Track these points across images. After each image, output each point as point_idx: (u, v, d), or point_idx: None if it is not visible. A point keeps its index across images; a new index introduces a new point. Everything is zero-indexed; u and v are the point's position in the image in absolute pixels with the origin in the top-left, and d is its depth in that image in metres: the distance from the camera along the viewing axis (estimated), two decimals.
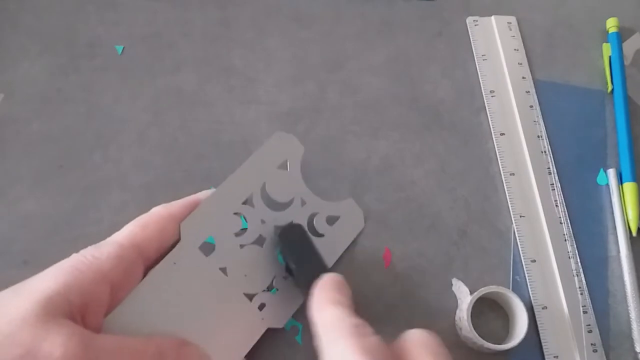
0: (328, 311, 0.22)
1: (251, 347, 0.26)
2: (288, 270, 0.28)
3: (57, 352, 0.17)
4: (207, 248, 0.26)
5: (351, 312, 0.21)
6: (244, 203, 0.27)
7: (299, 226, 0.28)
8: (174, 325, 0.24)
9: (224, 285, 0.26)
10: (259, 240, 0.28)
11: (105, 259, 0.22)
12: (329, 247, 0.29)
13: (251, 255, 0.27)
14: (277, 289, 0.27)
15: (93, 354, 0.18)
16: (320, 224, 0.29)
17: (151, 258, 0.24)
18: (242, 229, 0.27)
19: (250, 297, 0.27)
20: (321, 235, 0.29)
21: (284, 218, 0.28)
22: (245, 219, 0.27)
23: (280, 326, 0.27)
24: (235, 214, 0.27)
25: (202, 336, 0.25)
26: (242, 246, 0.27)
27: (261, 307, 0.27)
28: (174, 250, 0.25)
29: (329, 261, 0.29)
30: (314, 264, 0.26)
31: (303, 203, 0.29)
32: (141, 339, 0.21)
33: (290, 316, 0.28)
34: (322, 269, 0.26)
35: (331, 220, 0.30)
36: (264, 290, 0.27)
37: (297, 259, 0.26)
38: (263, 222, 0.28)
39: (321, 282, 0.24)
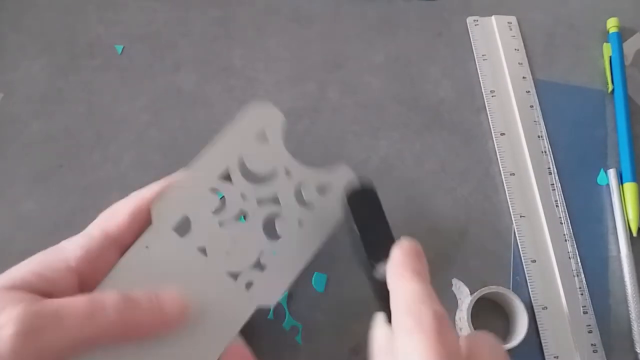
0: (411, 283, 0.20)
1: (239, 328, 0.25)
2: (353, 237, 0.25)
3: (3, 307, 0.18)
4: (183, 229, 0.25)
5: (431, 288, 0.20)
6: (222, 179, 0.26)
7: (370, 190, 0.25)
8: None
9: (204, 266, 0.25)
10: (240, 216, 0.26)
11: (71, 249, 0.22)
12: (322, 218, 0.27)
13: (233, 232, 0.25)
14: (266, 266, 0.26)
15: (38, 307, 0.19)
16: (310, 194, 0.27)
17: (128, 245, 0.23)
18: (221, 206, 0.26)
19: (234, 275, 0.25)
20: (312, 207, 0.27)
21: (266, 191, 0.27)
22: (223, 195, 0.26)
23: (271, 304, 0.26)
24: (212, 190, 0.26)
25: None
26: (221, 223, 0.25)
27: (248, 285, 0.25)
28: (145, 233, 0.24)
29: (323, 232, 0.27)
30: (385, 231, 0.24)
31: (288, 173, 0.27)
32: (83, 297, 0.20)
33: (282, 294, 0.26)
34: (391, 237, 0.24)
35: (322, 190, 0.27)
36: (251, 268, 0.25)
37: (367, 226, 0.24)
38: (244, 196, 0.26)
39: (404, 247, 0.22)
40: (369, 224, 0.24)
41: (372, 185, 0.25)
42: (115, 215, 0.23)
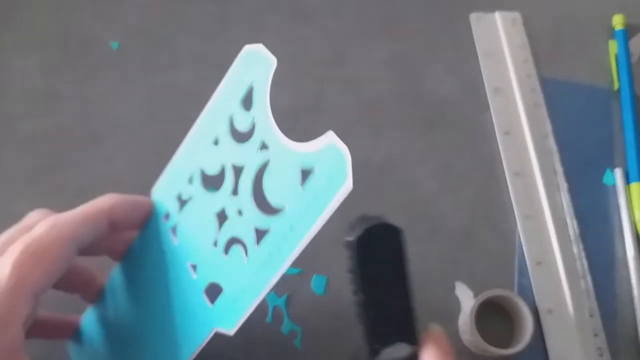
0: None
1: (194, 352, 0.21)
2: (357, 297, 0.17)
3: None
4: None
5: None
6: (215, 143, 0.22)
7: (395, 230, 0.17)
8: (138, 303, 0.23)
9: (172, 252, 0.22)
10: (213, 183, 0.21)
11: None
12: (293, 221, 0.18)
13: (201, 207, 0.21)
14: (246, 261, 0.19)
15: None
16: (280, 191, 0.19)
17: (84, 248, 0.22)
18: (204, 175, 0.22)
19: (193, 268, 0.21)
20: (281, 212, 0.18)
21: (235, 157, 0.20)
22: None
23: (229, 331, 0.20)
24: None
25: (152, 321, 0.23)
26: (190, 198, 0.21)
27: (210, 291, 0.20)
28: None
29: (292, 243, 0.18)
30: (402, 300, 0.16)
31: (263, 147, 0.19)
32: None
33: (243, 318, 0.19)
34: (410, 309, 0.16)
35: (303, 176, 0.19)
36: (215, 261, 0.20)
37: (378, 289, 0.16)
38: (222, 166, 0.21)
39: (436, 337, 0.17)
40: (380, 286, 0.16)
41: (397, 228, 0.16)
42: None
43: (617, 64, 0.36)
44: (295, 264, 0.30)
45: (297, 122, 0.34)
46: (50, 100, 0.34)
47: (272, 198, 0.19)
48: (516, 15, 0.38)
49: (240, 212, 0.20)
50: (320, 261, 0.30)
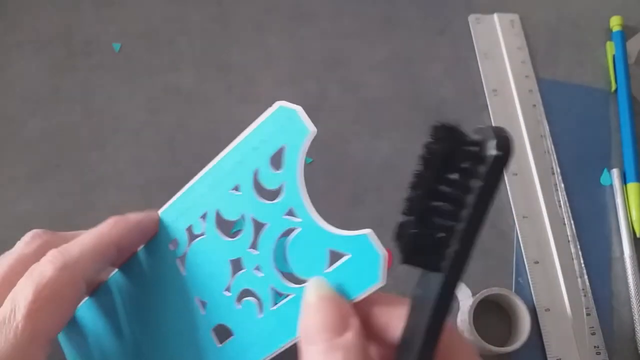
0: None
1: None
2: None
3: None
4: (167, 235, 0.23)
5: None
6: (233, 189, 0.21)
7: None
8: (132, 327, 0.23)
9: (179, 281, 0.22)
10: (229, 229, 0.21)
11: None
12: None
13: (214, 248, 0.21)
14: (261, 317, 0.20)
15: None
16: (301, 257, 0.19)
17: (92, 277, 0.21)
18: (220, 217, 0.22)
19: (202, 304, 0.22)
20: (303, 282, 0.19)
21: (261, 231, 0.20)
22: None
23: None
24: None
25: (151, 339, 0.22)
26: (202, 234, 0.21)
27: (219, 331, 0.21)
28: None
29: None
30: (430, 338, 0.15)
31: (290, 213, 0.20)
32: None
33: None
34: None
35: (332, 258, 0.19)
36: (227, 306, 0.20)
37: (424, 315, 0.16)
38: (242, 215, 0.21)
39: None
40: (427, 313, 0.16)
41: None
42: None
43: (614, 65, 0.36)
44: None
45: None
46: (53, 101, 0.34)
47: (297, 268, 0.19)
48: (514, 16, 0.38)
49: (259, 269, 0.20)
50: None
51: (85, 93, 0.35)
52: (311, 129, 0.19)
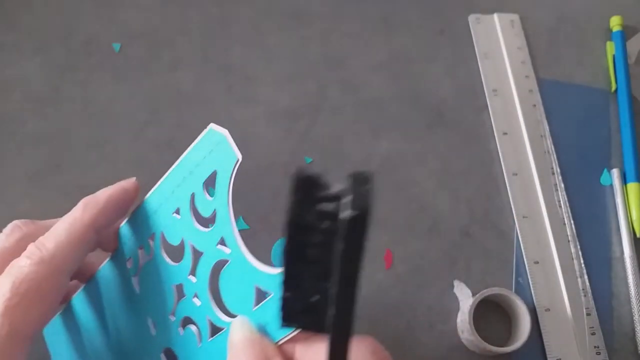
0: None
1: None
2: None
3: None
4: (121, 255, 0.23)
5: None
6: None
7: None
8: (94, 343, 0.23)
9: (134, 299, 0.22)
10: (173, 253, 0.21)
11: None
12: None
13: (161, 272, 0.21)
14: (200, 346, 0.20)
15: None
16: (231, 290, 0.19)
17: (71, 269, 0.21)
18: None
19: (153, 325, 0.21)
20: (234, 317, 0.19)
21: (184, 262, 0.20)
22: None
23: None
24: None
25: (112, 348, 0.22)
26: (151, 256, 0.21)
27: (168, 354, 0.21)
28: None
29: None
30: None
31: (222, 243, 0.19)
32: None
33: None
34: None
35: (257, 295, 0.19)
36: (172, 330, 0.20)
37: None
38: (182, 241, 0.21)
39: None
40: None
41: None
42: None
43: (614, 65, 0.36)
44: None
45: (297, 122, 0.34)
46: (53, 101, 0.34)
47: (228, 302, 0.19)
48: (515, 17, 0.38)
49: (197, 297, 0.20)
50: None
51: (85, 93, 0.35)
52: (238, 156, 0.19)
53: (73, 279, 0.24)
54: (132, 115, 0.34)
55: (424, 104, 0.35)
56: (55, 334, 0.26)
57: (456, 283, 0.30)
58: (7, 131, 0.33)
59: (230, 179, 0.19)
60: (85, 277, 0.25)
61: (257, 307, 0.18)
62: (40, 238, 0.20)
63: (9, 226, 0.21)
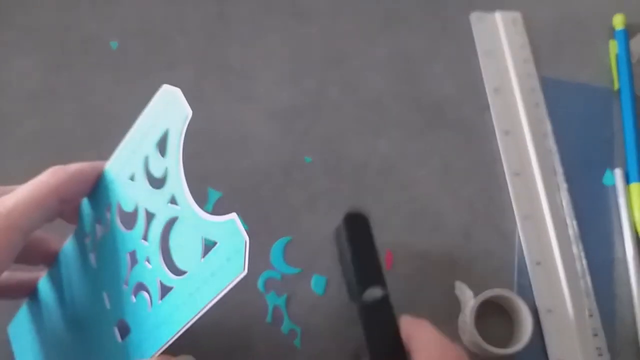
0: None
1: None
2: (344, 262, 0.25)
3: None
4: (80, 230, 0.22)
5: None
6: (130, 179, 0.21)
7: (364, 216, 0.25)
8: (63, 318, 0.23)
9: (91, 274, 0.22)
10: (127, 220, 0.21)
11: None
12: (193, 289, 0.19)
13: (116, 241, 0.21)
14: (150, 311, 0.20)
15: None
16: (180, 246, 0.19)
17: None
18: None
19: (108, 298, 0.21)
20: (183, 273, 0.19)
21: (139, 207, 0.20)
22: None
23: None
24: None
25: (73, 329, 0.22)
26: (106, 228, 0.21)
27: (121, 326, 0.21)
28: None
29: (190, 311, 0.19)
30: (375, 258, 0.24)
31: (172, 201, 0.20)
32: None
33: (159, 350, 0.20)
34: (379, 266, 0.24)
35: (205, 246, 0.19)
36: (125, 300, 0.20)
37: (358, 249, 0.24)
38: (136, 206, 0.21)
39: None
40: (360, 248, 0.23)
41: (366, 214, 0.25)
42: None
43: (617, 64, 0.36)
44: (296, 264, 0.30)
45: (297, 122, 0.34)
46: (50, 100, 0.34)
47: (177, 259, 0.19)
48: (517, 15, 0.38)
49: (148, 260, 0.20)
50: (320, 261, 0.30)
51: (82, 92, 0.34)
52: (188, 111, 0.19)
53: (39, 264, 0.24)
54: (130, 114, 0.34)
55: (425, 103, 0.35)
56: (20, 328, 0.26)
57: (457, 284, 0.30)
58: (3, 130, 0.33)
59: (181, 134, 0.19)
60: (52, 262, 0.25)
61: (204, 258, 0.18)
62: (3, 196, 0.20)
63: None
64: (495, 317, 0.29)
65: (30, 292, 0.25)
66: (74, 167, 0.21)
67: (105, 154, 0.33)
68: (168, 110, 0.20)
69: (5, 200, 0.20)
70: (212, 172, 0.32)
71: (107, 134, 0.33)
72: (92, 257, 0.22)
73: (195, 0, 0.37)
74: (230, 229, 0.18)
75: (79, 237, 0.23)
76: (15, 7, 0.37)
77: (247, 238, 0.17)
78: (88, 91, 0.34)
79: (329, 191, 0.32)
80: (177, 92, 0.19)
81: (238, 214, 0.18)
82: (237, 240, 0.17)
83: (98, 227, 0.22)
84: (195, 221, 0.18)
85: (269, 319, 0.29)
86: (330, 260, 0.30)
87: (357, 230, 0.24)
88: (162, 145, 0.20)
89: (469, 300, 0.29)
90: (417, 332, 0.22)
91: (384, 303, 0.23)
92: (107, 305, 0.21)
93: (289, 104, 0.34)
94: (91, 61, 0.35)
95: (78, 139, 0.33)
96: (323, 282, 0.30)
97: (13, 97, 0.34)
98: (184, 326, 0.19)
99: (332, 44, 0.36)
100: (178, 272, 0.19)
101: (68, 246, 0.23)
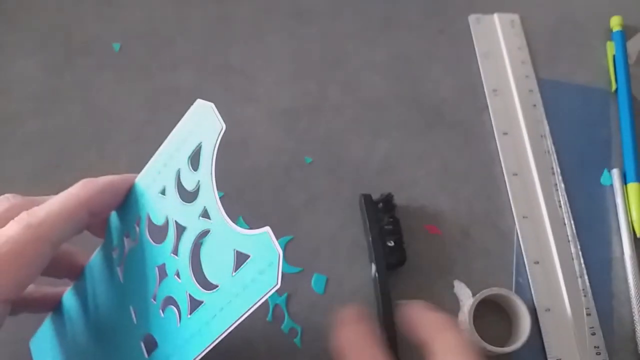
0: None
1: None
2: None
3: None
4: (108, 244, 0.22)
5: None
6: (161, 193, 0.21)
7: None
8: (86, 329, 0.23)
9: (118, 288, 0.22)
10: (157, 233, 0.21)
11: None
12: (224, 304, 0.18)
13: (145, 255, 0.21)
14: (179, 326, 0.19)
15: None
16: (212, 259, 0.19)
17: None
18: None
19: (135, 312, 0.21)
20: (213, 287, 0.19)
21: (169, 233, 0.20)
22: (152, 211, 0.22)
23: None
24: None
25: (98, 343, 0.22)
26: (135, 241, 0.21)
27: (147, 341, 0.20)
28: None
29: (220, 325, 0.18)
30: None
31: (204, 215, 0.20)
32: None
33: None
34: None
35: (237, 259, 0.19)
36: (153, 314, 0.20)
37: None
38: (167, 219, 0.21)
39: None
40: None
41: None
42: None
43: (614, 66, 0.36)
44: (296, 263, 0.30)
45: (297, 122, 0.34)
46: (52, 101, 0.34)
47: (208, 272, 0.19)
48: (515, 16, 0.38)
49: (178, 274, 0.20)
50: (321, 261, 0.30)
51: (85, 93, 0.35)
52: (222, 125, 0.19)
53: (65, 277, 0.24)
54: (132, 114, 0.34)
55: (424, 104, 0.35)
56: (42, 342, 0.26)
57: (456, 283, 0.30)
58: (6, 130, 0.33)
59: (214, 148, 0.19)
60: (77, 275, 0.24)
61: (236, 271, 0.18)
62: (35, 207, 0.20)
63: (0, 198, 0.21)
64: (493, 316, 0.29)
65: (54, 306, 0.25)
66: (104, 179, 0.21)
67: (107, 155, 0.33)
68: (201, 124, 0.20)
69: (37, 211, 0.19)
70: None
71: (109, 135, 0.34)
72: (119, 271, 0.22)
73: (197, 2, 0.38)
74: (264, 242, 0.18)
75: (106, 250, 0.23)
76: (18, 7, 0.37)
77: (280, 251, 0.17)
78: (91, 92, 0.35)
79: (329, 191, 0.32)
80: (211, 106, 0.19)
81: (240, 215, 0.18)
82: (270, 253, 0.17)
83: (126, 241, 0.22)
84: (228, 235, 0.18)
85: (269, 317, 0.29)
86: (330, 260, 0.30)
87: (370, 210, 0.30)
88: (195, 159, 0.20)
89: (467, 299, 0.29)
90: (440, 334, 0.21)
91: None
92: (134, 319, 0.21)
93: (289, 105, 0.35)
94: (93, 62, 0.35)
95: (80, 140, 0.33)
96: (323, 281, 0.30)
97: (16, 97, 0.34)
98: (215, 340, 0.18)
99: (333, 45, 0.37)
100: (208, 286, 0.19)
101: (94, 259, 0.23)
